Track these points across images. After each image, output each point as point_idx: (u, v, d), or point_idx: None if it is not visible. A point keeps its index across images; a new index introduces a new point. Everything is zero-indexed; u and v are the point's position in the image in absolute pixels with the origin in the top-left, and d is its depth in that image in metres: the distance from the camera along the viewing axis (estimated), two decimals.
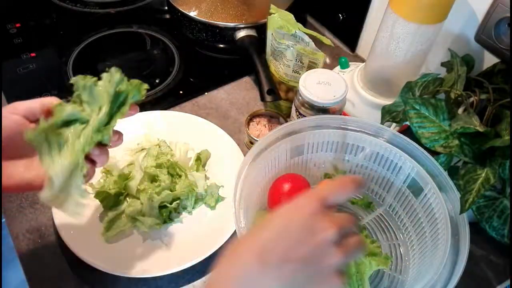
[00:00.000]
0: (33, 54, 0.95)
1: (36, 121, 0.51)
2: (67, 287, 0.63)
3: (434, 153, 0.60)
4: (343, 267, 0.41)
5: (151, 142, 0.77)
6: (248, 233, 0.42)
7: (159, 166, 0.71)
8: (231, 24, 0.92)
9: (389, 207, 0.71)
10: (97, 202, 0.68)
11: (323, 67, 0.75)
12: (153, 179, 0.71)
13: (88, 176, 0.52)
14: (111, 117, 0.52)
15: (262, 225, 0.41)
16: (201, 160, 0.76)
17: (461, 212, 0.55)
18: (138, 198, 0.69)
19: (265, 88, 0.78)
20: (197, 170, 0.74)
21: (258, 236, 0.40)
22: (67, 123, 0.50)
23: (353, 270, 0.56)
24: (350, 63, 0.86)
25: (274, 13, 0.78)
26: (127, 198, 0.70)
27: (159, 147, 0.75)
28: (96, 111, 0.51)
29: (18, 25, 1.02)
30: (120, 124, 0.81)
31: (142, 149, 0.76)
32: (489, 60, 0.70)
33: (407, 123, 0.61)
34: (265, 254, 0.38)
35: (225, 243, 0.66)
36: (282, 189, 0.65)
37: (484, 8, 0.68)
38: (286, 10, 0.81)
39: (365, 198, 0.72)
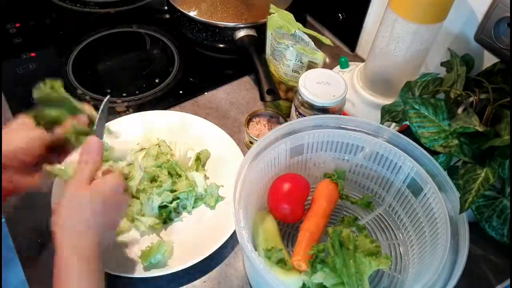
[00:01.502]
0: (33, 54, 0.95)
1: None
2: None
3: (433, 153, 0.60)
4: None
5: (150, 142, 0.76)
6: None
7: (159, 166, 0.71)
8: (231, 24, 0.92)
9: (389, 206, 0.71)
10: None
11: (323, 67, 0.75)
12: (153, 179, 0.70)
13: None
14: None
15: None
16: (200, 160, 0.76)
17: (461, 211, 0.55)
18: (138, 198, 0.69)
19: (265, 88, 0.78)
20: (196, 170, 0.74)
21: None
22: None
23: (352, 270, 0.56)
24: (349, 62, 0.86)
25: (273, 13, 0.78)
26: None
27: (159, 147, 0.75)
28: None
29: (18, 25, 1.02)
30: (120, 124, 0.81)
31: (142, 149, 0.76)
32: (489, 59, 0.70)
33: (407, 122, 0.61)
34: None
35: (224, 243, 0.66)
36: (282, 189, 0.65)
37: (483, 8, 0.68)
38: (285, 10, 0.81)
39: (364, 198, 0.72)
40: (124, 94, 0.89)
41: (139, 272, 0.62)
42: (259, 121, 0.82)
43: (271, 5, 0.79)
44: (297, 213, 0.65)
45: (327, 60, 0.98)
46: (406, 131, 0.67)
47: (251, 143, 0.79)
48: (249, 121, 0.80)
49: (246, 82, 0.94)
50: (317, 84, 0.70)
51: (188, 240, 0.67)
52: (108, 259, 0.62)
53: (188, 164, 0.76)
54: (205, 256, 0.64)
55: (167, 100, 0.89)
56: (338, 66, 0.86)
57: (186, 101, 0.89)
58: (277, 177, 0.67)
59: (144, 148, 0.76)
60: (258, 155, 0.62)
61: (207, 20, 0.93)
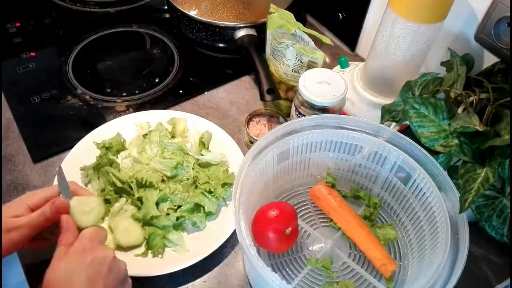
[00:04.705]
0: (32, 54, 0.95)
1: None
2: None
3: (433, 153, 0.60)
4: None
5: (144, 129, 0.78)
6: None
7: (163, 156, 0.72)
8: (231, 24, 0.92)
9: (388, 206, 0.71)
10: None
11: (323, 67, 0.75)
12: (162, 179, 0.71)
13: None
14: None
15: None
16: (204, 144, 0.77)
17: (461, 211, 0.55)
18: (139, 203, 0.69)
19: (265, 87, 0.78)
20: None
21: None
22: None
23: None
24: (349, 62, 0.86)
25: (274, 13, 0.78)
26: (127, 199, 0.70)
27: (159, 131, 0.76)
28: None
29: (18, 24, 1.02)
30: (120, 123, 0.81)
31: (144, 135, 0.77)
32: (489, 59, 0.70)
33: (407, 122, 0.61)
34: None
35: (224, 242, 0.66)
36: (269, 216, 0.61)
37: (484, 7, 0.68)
38: (286, 9, 0.81)
39: (366, 198, 0.72)
40: (124, 94, 0.89)
41: (139, 272, 0.62)
42: (259, 121, 0.82)
43: (271, 5, 0.79)
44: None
45: (327, 59, 0.98)
46: (406, 131, 0.67)
47: (251, 142, 0.79)
48: (249, 120, 0.80)
49: (246, 81, 0.94)
50: (317, 84, 0.70)
51: (188, 240, 0.67)
52: None
53: (200, 152, 0.76)
54: (205, 256, 0.64)
55: (167, 100, 0.89)
56: (338, 66, 0.86)
57: (186, 101, 0.89)
58: (261, 206, 0.64)
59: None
60: (258, 155, 0.62)
61: (207, 20, 0.93)
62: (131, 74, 0.94)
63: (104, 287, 0.50)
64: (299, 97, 0.71)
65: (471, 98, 0.62)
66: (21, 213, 0.55)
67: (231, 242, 0.68)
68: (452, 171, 0.60)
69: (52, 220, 0.55)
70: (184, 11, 0.94)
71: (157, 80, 0.92)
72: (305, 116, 0.71)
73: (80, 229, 0.55)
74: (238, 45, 0.91)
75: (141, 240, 0.66)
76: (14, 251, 0.55)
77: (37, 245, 0.59)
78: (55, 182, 0.69)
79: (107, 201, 0.69)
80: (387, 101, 0.74)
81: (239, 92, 0.91)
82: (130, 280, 0.55)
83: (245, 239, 0.53)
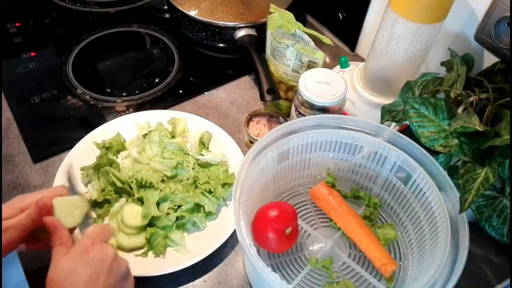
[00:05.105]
0: (32, 54, 0.95)
1: None
2: None
3: (433, 153, 0.60)
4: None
5: (144, 129, 0.77)
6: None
7: (163, 156, 0.71)
8: (231, 24, 0.92)
9: (388, 206, 0.71)
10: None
11: (323, 67, 0.75)
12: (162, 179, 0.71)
13: None
14: None
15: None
16: (204, 144, 0.77)
17: (461, 211, 0.55)
18: (140, 203, 0.69)
19: (265, 87, 0.78)
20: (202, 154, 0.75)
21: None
22: None
23: None
24: (349, 62, 0.86)
25: (274, 13, 0.78)
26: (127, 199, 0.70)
27: (159, 131, 0.76)
28: None
29: (18, 24, 1.02)
30: (120, 123, 0.81)
31: (144, 135, 0.76)
32: (489, 59, 0.70)
33: (407, 122, 0.61)
34: None
35: (224, 242, 0.66)
36: (269, 216, 0.61)
37: (484, 7, 0.68)
38: (286, 9, 0.81)
39: (366, 198, 0.72)
40: (124, 94, 0.89)
41: (139, 272, 0.62)
42: (259, 121, 0.82)
43: (271, 5, 0.79)
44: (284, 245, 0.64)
45: (327, 59, 0.98)
46: (406, 131, 0.67)
47: (251, 142, 0.79)
48: (249, 120, 0.80)
49: (246, 81, 0.94)
50: (317, 84, 0.70)
51: (188, 240, 0.67)
52: None
53: (200, 152, 0.76)
54: (205, 256, 0.64)
55: (167, 100, 0.89)
56: (338, 66, 0.86)
57: (186, 101, 0.89)
58: (261, 206, 0.63)
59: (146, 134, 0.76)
60: (258, 155, 0.62)
61: (207, 20, 0.93)
62: (131, 74, 0.94)
63: (104, 285, 0.50)
64: (299, 97, 0.71)
65: (471, 98, 0.62)
66: (12, 215, 0.55)
67: (231, 242, 0.68)
68: (452, 171, 0.60)
69: (38, 221, 0.54)
70: (184, 11, 0.94)
71: (157, 80, 0.92)
72: (305, 116, 0.71)
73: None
74: (238, 45, 0.91)
75: (143, 239, 0.66)
76: (9, 252, 0.55)
77: (35, 247, 0.59)
78: (55, 182, 0.70)
79: (107, 201, 0.69)
80: (387, 101, 0.74)
81: (239, 92, 0.91)
82: (131, 276, 0.55)
83: (245, 239, 0.53)
